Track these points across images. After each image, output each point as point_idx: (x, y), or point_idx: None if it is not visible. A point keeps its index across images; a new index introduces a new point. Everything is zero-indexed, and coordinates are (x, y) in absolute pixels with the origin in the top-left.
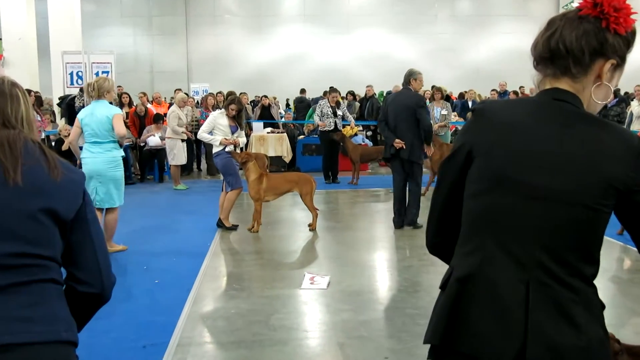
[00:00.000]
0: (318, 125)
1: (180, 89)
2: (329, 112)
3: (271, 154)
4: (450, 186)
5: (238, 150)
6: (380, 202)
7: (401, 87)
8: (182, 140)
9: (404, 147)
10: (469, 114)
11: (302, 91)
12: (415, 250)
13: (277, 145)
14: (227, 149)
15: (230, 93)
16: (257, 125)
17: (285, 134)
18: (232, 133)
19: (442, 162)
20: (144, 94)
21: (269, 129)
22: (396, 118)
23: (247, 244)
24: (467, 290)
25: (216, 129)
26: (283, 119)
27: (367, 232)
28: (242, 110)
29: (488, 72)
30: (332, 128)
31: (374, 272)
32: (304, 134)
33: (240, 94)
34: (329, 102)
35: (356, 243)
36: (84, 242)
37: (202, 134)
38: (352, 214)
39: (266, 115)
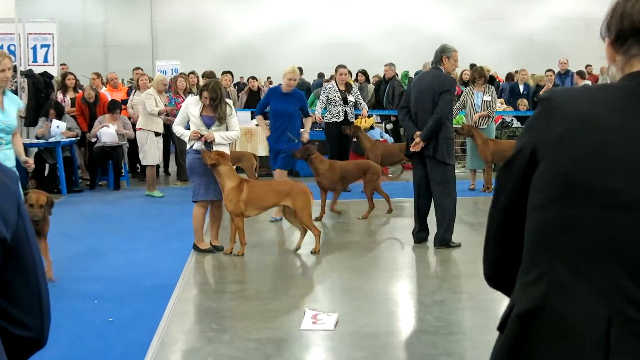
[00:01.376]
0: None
1: (139, 68)
2: (337, 98)
3: (261, 153)
4: (511, 199)
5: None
6: (405, 217)
7: (430, 67)
8: (157, 134)
9: (421, 143)
10: (520, 101)
11: (301, 71)
12: (450, 280)
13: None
14: (195, 146)
15: (208, 75)
16: (243, 116)
17: None
18: (208, 127)
19: (499, 169)
20: (97, 75)
21: (257, 120)
22: (417, 105)
23: (229, 270)
24: (530, 329)
25: (191, 121)
26: None
27: (386, 255)
28: (218, 99)
29: (544, 46)
30: (341, 119)
31: (395, 307)
32: (303, 127)
33: (223, 74)
34: (336, 84)
35: (372, 270)
36: (23, 271)
37: (176, 127)
38: (368, 231)
39: (254, 103)
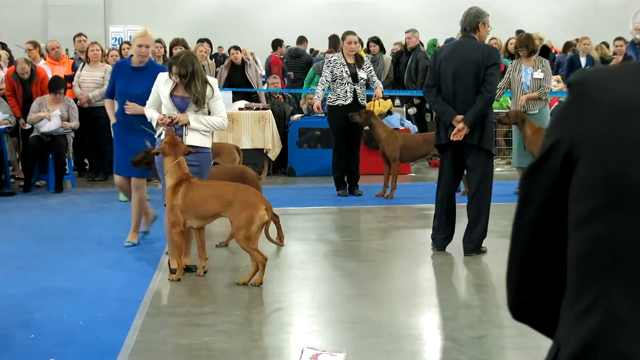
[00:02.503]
0: (312, 105)
1: (82, 35)
2: (344, 75)
3: (245, 145)
4: (541, 211)
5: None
6: (427, 228)
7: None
8: None
9: (465, 129)
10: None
11: (301, 40)
12: (490, 310)
13: (256, 130)
14: (163, 135)
15: (177, 43)
16: (223, 97)
17: (269, 111)
18: (180, 110)
19: (523, 174)
20: (33, 43)
21: (242, 103)
22: (456, 82)
23: (205, 295)
24: None
25: (163, 104)
26: (266, 86)
27: (407, 278)
28: (189, 76)
29: (612, 8)
30: (349, 102)
31: (420, 346)
32: (301, 112)
33: (198, 43)
34: (343, 56)
35: (389, 295)
36: None
37: (147, 111)
38: (383, 247)
39: (238, 80)
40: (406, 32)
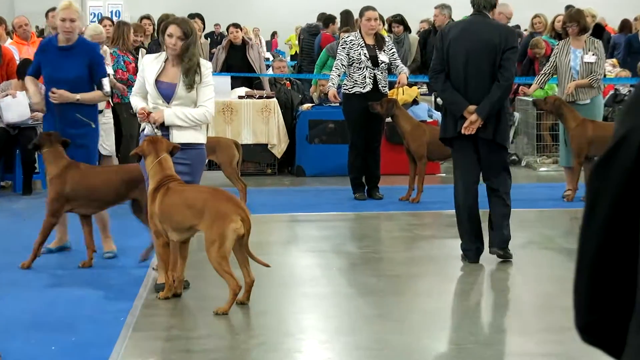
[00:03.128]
0: (325, 93)
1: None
2: (363, 58)
3: (246, 140)
4: (613, 213)
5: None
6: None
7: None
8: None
9: (478, 122)
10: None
11: (321, 17)
12: (532, 335)
13: (258, 122)
14: (145, 130)
15: (165, 19)
16: (221, 83)
17: (274, 99)
18: (167, 100)
19: (592, 170)
20: None
21: (242, 90)
22: (468, 67)
23: (198, 318)
24: None
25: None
26: (271, 71)
27: (434, 296)
28: (192, 39)
29: None
30: (367, 89)
31: None
32: (312, 101)
33: (189, 17)
34: (361, 35)
35: (413, 318)
36: None
37: (132, 99)
38: (408, 260)
39: (237, 64)
40: (435, 8)
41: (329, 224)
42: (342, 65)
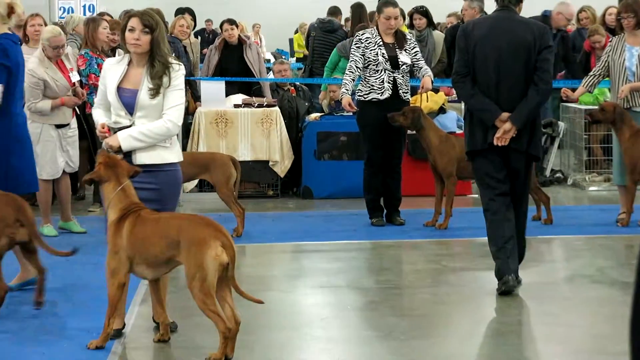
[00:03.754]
0: (336, 100)
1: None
2: (381, 59)
3: (244, 156)
4: None
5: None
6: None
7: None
8: (59, 126)
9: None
10: None
11: (334, 11)
12: None
13: (258, 135)
14: (105, 145)
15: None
16: (213, 89)
17: (277, 108)
18: (129, 108)
19: None
20: None
21: (239, 98)
22: (500, 70)
23: None
24: None
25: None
26: (271, 75)
27: (465, 339)
28: (158, 31)
29: None
30: (386, 96)
31: None
32: (320, 110)
33: (177, 15)
34: (378, 32)
35: None
36: None
37: (94, 112)
38: (435, 297)
39: (233, 67)
40: (464, 1)
41: (341, 255)
42: (357, 67)
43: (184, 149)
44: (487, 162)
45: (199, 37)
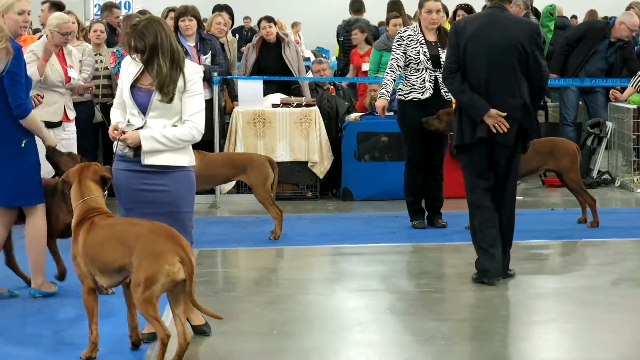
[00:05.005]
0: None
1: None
2: (422, 58)
3: (282, 157)
4: None
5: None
6: (554, 277)
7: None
8: (54, 125)
9: (506, 126)
10: None
11: (357, 7)
12: None
13: (297, 135)
14: (117, 149)
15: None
16: (251, 89)
17: (316, 108)
18: (142, 108)
19: None
20: None
21: (277, 97)
22: (490, 67)
23: None
24: None
25: None
26: (310, 74)
27: (513, 346)
28: (150, 50)
29: None
30: (427, 95)
31: None
32: (359, 110)
33: (214, 12)
34: (420, 29)
35: None
36: None
37: (112, 112)
38: (477, 301)
39: (271, 65)
40: None
41: (381, 258)
42: (398, 66)
43: (220, 149)
44: (475, 156)
45: (237, 35)
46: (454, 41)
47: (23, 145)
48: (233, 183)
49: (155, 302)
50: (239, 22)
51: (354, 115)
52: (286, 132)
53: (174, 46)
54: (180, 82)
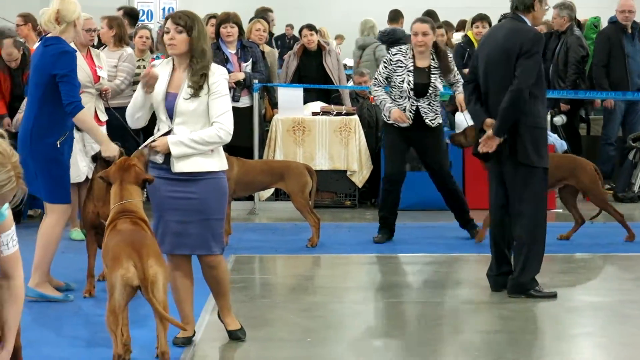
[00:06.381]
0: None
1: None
2: (405, 86)
3: (321, 165)
4: None
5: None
6: (592, 291)
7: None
8: (79, 128)
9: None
10: None
11: (395, 16)
12: None
13: (336, 143)
14: (152, 156)
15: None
16: (291, 96)
17: (356, 117)
18: (169, 111)
19: None
20: (25, 18)
21: (317, 105)
22: (487, 77)
23: None
24: None
25: None
26: (351, 83)
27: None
28: (192, 29)
29: None
30: (405, 125)
31: None
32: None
33: (252, 21)
34: (413, 54)
35: None
36: None
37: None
38: (514, 314)
39: (312, 73)
40: (553, 8)
41: (416, 268)
42: (382, 81)
43: (260, 156)
44: (491, 169)
45: (279, 44)
46: (475, 52)
47: (59, 145)
48: (272, 190)
49: (119, 312)
50: (281, 29)
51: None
52: (326, 141)
53: (207, 37)
54: (204, 84)
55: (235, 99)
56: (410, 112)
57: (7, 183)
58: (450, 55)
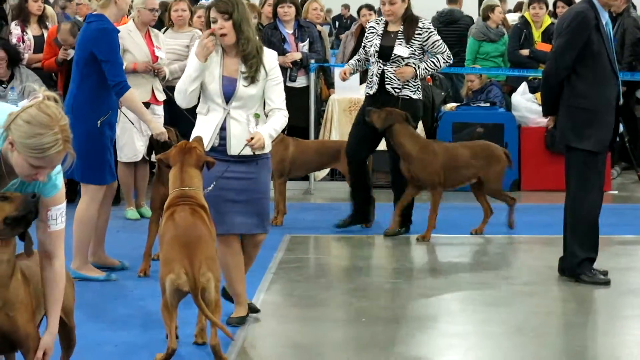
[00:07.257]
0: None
1: None
2: (372, 50)
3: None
4: None
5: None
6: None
7: None
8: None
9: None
10: None
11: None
12: None
13: None
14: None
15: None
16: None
17: None
18: (227, 97)
19: None
20: None
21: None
22: None
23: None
24: None
25: None
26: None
27: (604, 340)
28: (236, 15)
29: None
30: (374, 90)
31: None
32: (459, 99)
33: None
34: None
35: None
36: None
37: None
38: (567, 295)
39: None
40: None
41: (472, 249)
42: (362, 51)
43: (316, 136)
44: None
45: (337, 24)
46: None
47: (99, 125)
48: (327, 170)
49: (171, 309)
50: (337, 10)
51: (450, 106)
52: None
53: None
54: (260, 68)
55: (292, 79)
56: (377, 76)
57: (53, 145)
58: (423, 23)
